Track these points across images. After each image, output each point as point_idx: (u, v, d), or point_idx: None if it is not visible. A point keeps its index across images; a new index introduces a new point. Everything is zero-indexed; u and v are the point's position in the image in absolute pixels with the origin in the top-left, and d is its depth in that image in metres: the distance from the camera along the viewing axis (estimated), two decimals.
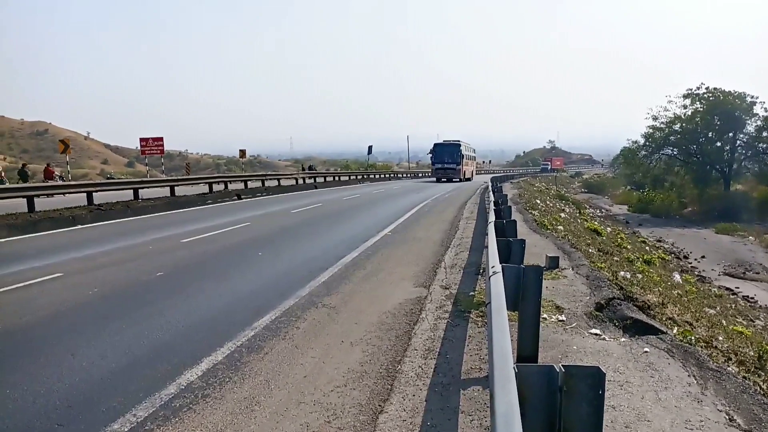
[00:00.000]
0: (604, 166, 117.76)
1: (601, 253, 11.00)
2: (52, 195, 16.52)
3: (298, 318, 5.37)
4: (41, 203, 14.77)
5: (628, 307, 5.43)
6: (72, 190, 16.18)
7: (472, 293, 6.20)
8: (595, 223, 21.95)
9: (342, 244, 9.84)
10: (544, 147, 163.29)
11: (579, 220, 21.52)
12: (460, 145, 43.34)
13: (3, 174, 25.11)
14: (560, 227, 13.82)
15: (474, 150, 53.71)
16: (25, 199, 13.89)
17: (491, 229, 6.81)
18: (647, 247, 19.93)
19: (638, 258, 13.45)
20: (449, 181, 40.92)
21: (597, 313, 5.37)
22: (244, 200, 21.50)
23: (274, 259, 8.73)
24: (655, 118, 42.17)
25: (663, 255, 18.65)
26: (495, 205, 10.68)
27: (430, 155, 43.94)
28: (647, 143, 43.59)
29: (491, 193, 16.08)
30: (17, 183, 21.94)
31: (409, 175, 56.35)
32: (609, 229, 21.98)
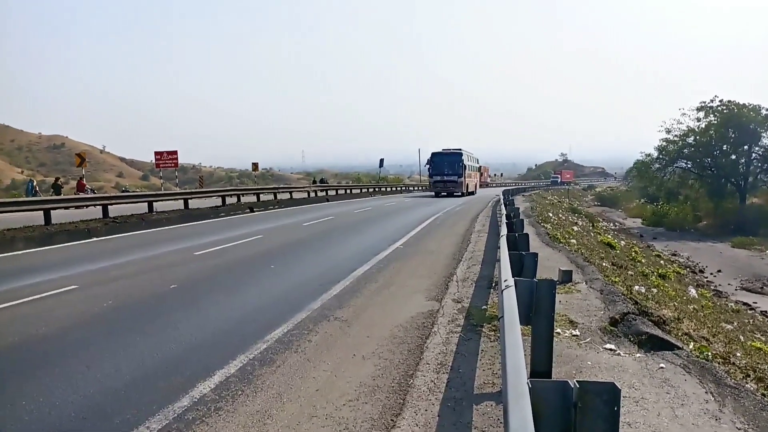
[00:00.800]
0: (617, 179, 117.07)
1: (615, 267, 10.90)
2: (68, 208, 16.75)
3: (310, 331, 5.38)
4: (60, 215, 14.97)
5: (643, 322, 5.37)
6: (88, 203, 16.41)
7: (484, 307, 6.17)
8: (609, 236, 21.76)
9: (354, 257, 9.85)
10: (556, 160, 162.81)
11: (592, 234, 21.35)
12: (461, 155, 37.89)
13: (36, 187, 25.80)
14: (573, 241, 13.73)
15: (478, 160, 48.64)
16: (42, 212, 14.10)
17: (503, 243, 6.79)
18: (662, 261, 19.71)
19: (653, 272, 13.30)
20: (450, 195, 36.18)
21: (611, 328, 5.31)
22: (257, 213, 21.63)
23: (286, 272, 8.76)
24: (668, 131, 41.92)
25: (678, 269, 18.42)
26: (507, 219, 10.65)
27: (428, 166, 38.91)
28: (660, 156, 43.26)
29: (503, 206, 16.04)
30: (51, 196, 22.46)
31: (420, 188, 56.41)
32: (623, 242, 21.78)
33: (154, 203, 19.07)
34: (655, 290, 9.22)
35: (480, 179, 53.02)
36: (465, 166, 38.05)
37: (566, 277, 7.60)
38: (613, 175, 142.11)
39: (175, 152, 26.14)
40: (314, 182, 44.95)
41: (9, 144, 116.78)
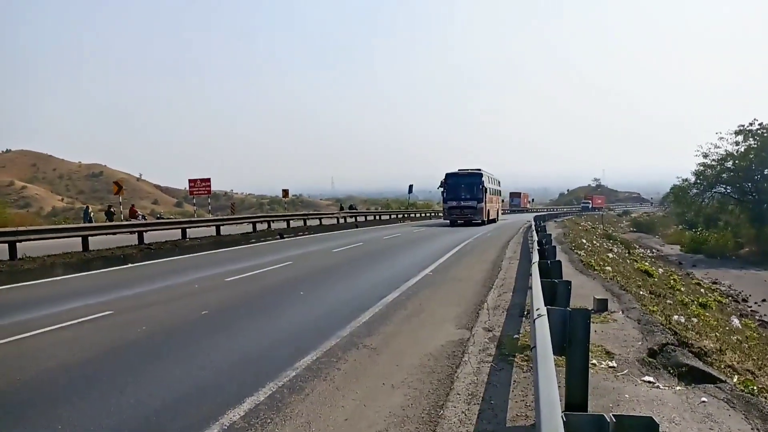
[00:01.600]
0: (653, 205, 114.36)
1: (653, 296, 10.58)
2: (114, 234, 17.19)
3: (339, 359, 5.35)
4: (97, 242, 15.41)
5: (683, 354, 5.17)
6: (124, 230, 16.88)
7: (516, 336, 6.04)
8: (646, 263, 21.20)
9: (383, 284, 9.82)
10: (589, 185, 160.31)
11: (628, 261, 20.84)
12: (481, 175, 32.76)
13: (92, 213, 27.12)
14: (608, 268, 13.40)
15: (499, 183, 42.10)
16: (80, 238, 14.56)
17: (535, 270, 6.68)
18: (702, 290, 19.05)
19: (693, 301, 12.86)
20: (468, 224, 31.44)
21: (650, 359, 5.12)
22: (287, 239, 21.86)
23: (315, 299, 8.78)
24: (705, 155, 40.98)
25: (719, 298, 17.76)
26: (539, 245, 10.50)
27: (441, 190, 33.24)
28: (698, 181, 42.22)
29: (534, 232, 15.82)
30: (104, 221, 23.69)
31: None
32: (661, 270, 21.17)
33: (188, 230, 19.50)
34: (695, 320, 8.90)
35: (501, 205, 47.77)
36: (485, 189, 32.64)
37: (601, 305, 7.40)
38: (649, 200, 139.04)
39: (208, 180, 26.78)
40: (341, 209, 45.33)
41: (51, 172, 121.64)
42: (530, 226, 22.91)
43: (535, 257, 8.72)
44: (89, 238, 14.78)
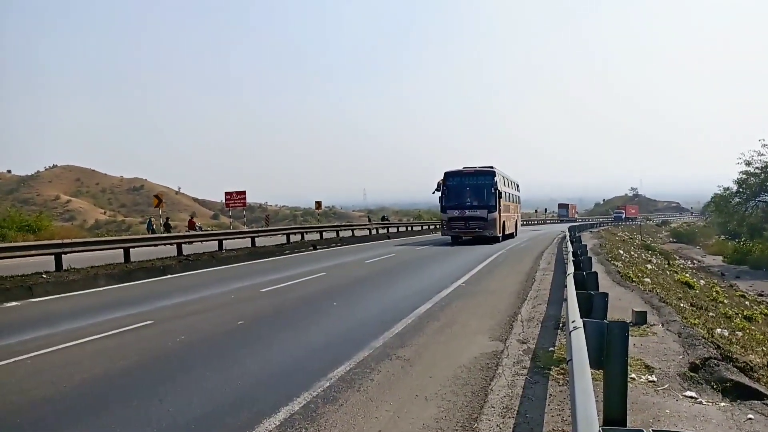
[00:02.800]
0: (693, 214, 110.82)
1: (695, 308, 10.24)
2: (161, 245, 17.69)
3: (372, 370, 5.37)
4: (138, 253, 15.87)
5: (727, 368, 4.99)
6: (164, 242, 17.33)
7: (551, 349, 5.94)
8: (687, 275, 20.54)
9: (415, 295, 9.81)
10: (626, 195, 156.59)
11: (668, 272, 20.24)
12: (493, 175, 24.96)
13: (154, 224, 29.07)
14: (647, 279, 13.05)
15: (518, 186, 34.01)
16: (122, 250, 15.03)
17: (570, 282, 6.57)
18: (747, 302, 18.29)
19: (737, 314, 12.37)
20: (476, 240, 24.44)
21: (692, 373, 4.96)
22: (320, 250, 22.05)
23: (348, 310, 8.83)
24: (747, 163, 39.62)
25: (766, 310, 17.02)
26: (573, 256, 10.31)
27: (439, 194, 25.44)
28: (741, 189, 40.82)
29: (569, 243, 15.55)
30: (162, 233, 25.09)
31: None
32: (702, 281, 20.46)
33: (224, 241, 19.90)
34: (740, 333, 8.57)
35: (520, 214, 38.44)
36: (499, 194, 24.78)
37: (640, 318, 7.21)
38: (689, 209, 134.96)
39: (244, 192, 27.29)
40: (369, 220, 46.02)
41: (94, 187, 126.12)
42: (564, 237, 22.49)
43: (570, 268, 8.57)
44: (130, 249, 15.23)
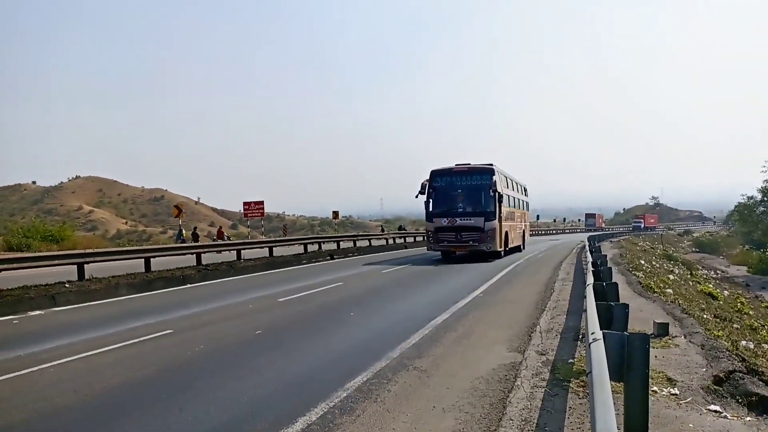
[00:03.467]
0: (716, 224, 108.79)
1: (718, 320, 10.03)
2: (190, 255, 17.92)
3: (389, 380, 5.35)
4: (159, 263, 16.07)
5: (753, 382, 4.87)
6: (184, 252, 17.53)
7: (571, 360, 5.86)
8: (710, 285, 20.15)
9: (432, 306, 9.77)
10: (647, 204, 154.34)
11: (690, 283, 19.89)
12: (492, 173, 20.06)
13: (184, 234, 30.22)
14: (669, 290, 12.83)
15: (525, 190, 29.29)
16: (143, 260, 15.25)
17: (589, 292, 6.49)
18: None
19: (763, 326, 12.09)
20: (473, 257, 19.86)
21: (716, 387, 4.86)
22: (337, 260, 22.11)
23: (365, 320, 8.83)
24: None
25: None
26: (593, 266, 10.19)
27: (425, 197, 20.56)
28: (765, 198, 39.97)
29: (588, 253, 15.37)
30: (191, 242, 26.75)
31: None
32: (726, 292, 20.06)
33: (242, 251, 20.07)
34: (766, 346, 8.37)
35: (528, 223, 31.71)
36: (500, 197, 19.92)
37: (662, 330, 7.08)
38: (711, 219, 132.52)
39: (262, 202, 27.56)
40: (383, 230, 46.54)
41: (116, 197, 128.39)
42: (584, 246, 22.23)
43: (590, 279, 8.47)
44: (151, 259, 15.44)
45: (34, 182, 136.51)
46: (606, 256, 13.95)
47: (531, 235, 58.13)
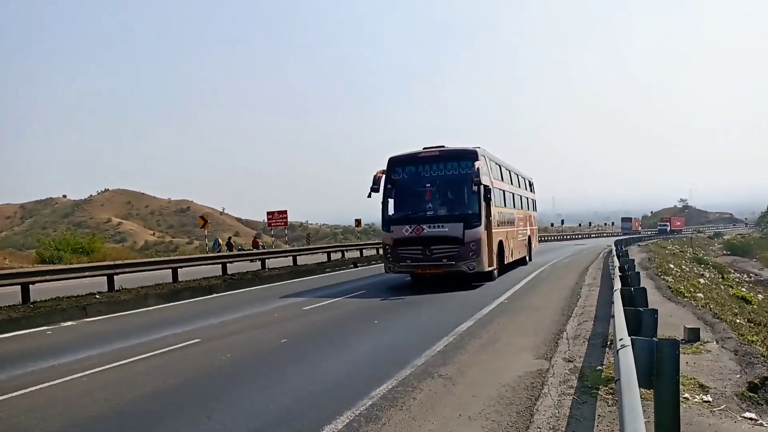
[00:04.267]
0: (748, 225, 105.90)
1: (752, 324, 9.76)
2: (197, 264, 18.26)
3: (414, 388, 5.34)
4: (185, 273, 16.34)
5: None
6: (209, 262, 17.79)
7: (599, 367, 5.77)
8: (743, 289, 19.62)
9: (456, 312, 9.72)
10: (675, 206, 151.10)
11: (722, 287, 19.39)
12: (474, 159, 13.81)
13: (221, 243, 31.78)
14: (699, 294, 12.53)
15: (531, 184, 23.80)
16: (170, 270, 15.52)
17: (617, 298, 6.39)
18: None
19: None
20: (443, 282, 14.02)
21: (750, 393, 4.73)
22: (360, 268, 22.15)
23: (389, 327, 8.82)
24: None
25: None
26: (620, 271, 10.03)
27: (382, 194, 14.38)
28: None
29: (615, 257, 15.12)
30: (226, 251, 28.07)
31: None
32: (761, 296, 19.49)
33: (267, 260, 20.26)
34: None
35: (536, 227, 25.65)
36: (487, 193, 13.97)
37: (692, 335, 6.92)
38: (743, 221, 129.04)
39: (285, 212, 27.77)
40: None
41: (144, 209, 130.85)
42: (610, 251, 21.85)
43: (617, 284, 8.34)
44: (178, 269, 15.71)
45: (64, 196, 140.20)
46: (633, 260, 13.69)
47: (553, 240, 57.46)
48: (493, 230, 14.37)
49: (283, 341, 7.82)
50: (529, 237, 21.65)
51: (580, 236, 68.23)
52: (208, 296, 13.94)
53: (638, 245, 41.02)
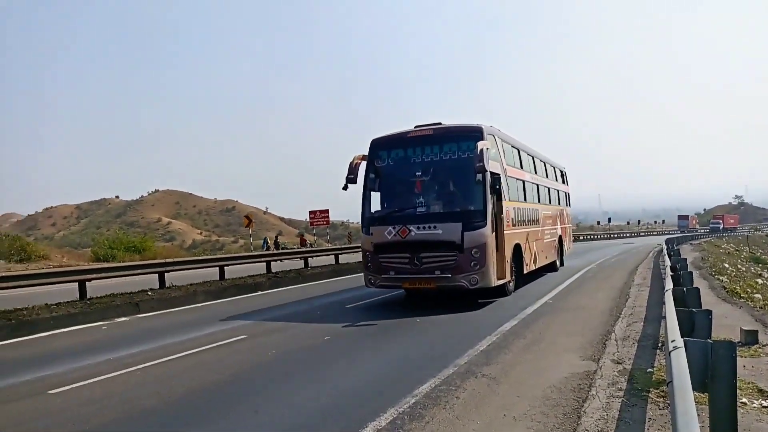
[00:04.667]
0: None
1: None
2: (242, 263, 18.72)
3: (457, 387, 5.31)
4: (232, 271, 16.78)
5: None
6: (254, 260, 18.21)
7: (650, 370, 5.58)
8: None
9: (499, 311, 9.59)
10: (730, 203, 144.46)
11: None
12: (477, 138, 10.21)
13: (269, 242, 33.19)
14: (757, 295, 11.93)
15: (563, 174, 20.39)
16: (218, 268, 15.97)
17: (668, 298, 6.18)
18: None
19: None
20: (437, 299, 11.42)
21: None
22: None
23: (431, 326, 8.80)
24: None
25: None
26: (672, 271, 9.68)
27: (363, 186, 11.22)
28: None
29: (666, 257, 14.59)
30: (273, 250, 29.39)
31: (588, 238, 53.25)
32: None
33: (309, 259, 20.55)
34: None
35: (569, 225, 21.50)
36: (495, 183, 10.69)
37: (750, 338, 6.60)
38: None
39: (327, 211, 28.10)
40: None
41: (191, 209, 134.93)
42: (661, 250, 21.09)
43: (669, 284, 8.05)
44: (225, 267, 16.14)
45: (117, 196, 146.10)
46: (686, 259, 13.17)
47: (601, 239, 55.84)
48: (505, 231, 11.26)
49: (326, 338, 7.92)
50: (560, 237, 18.17)
51: (628, 235, 66.18)
52: (253, 294, 14.25)
53: (690, 244, 39.48)
